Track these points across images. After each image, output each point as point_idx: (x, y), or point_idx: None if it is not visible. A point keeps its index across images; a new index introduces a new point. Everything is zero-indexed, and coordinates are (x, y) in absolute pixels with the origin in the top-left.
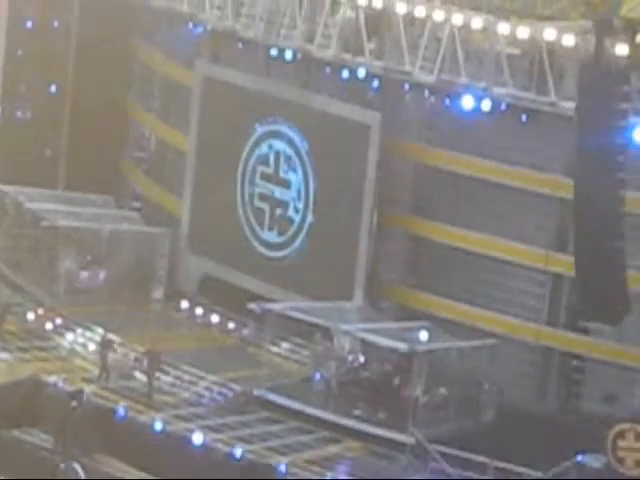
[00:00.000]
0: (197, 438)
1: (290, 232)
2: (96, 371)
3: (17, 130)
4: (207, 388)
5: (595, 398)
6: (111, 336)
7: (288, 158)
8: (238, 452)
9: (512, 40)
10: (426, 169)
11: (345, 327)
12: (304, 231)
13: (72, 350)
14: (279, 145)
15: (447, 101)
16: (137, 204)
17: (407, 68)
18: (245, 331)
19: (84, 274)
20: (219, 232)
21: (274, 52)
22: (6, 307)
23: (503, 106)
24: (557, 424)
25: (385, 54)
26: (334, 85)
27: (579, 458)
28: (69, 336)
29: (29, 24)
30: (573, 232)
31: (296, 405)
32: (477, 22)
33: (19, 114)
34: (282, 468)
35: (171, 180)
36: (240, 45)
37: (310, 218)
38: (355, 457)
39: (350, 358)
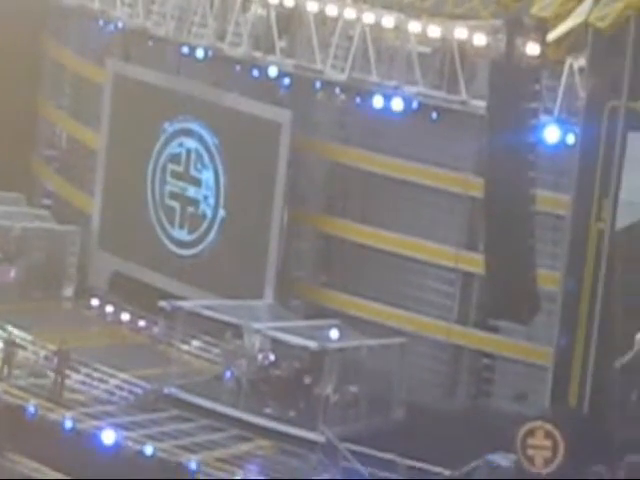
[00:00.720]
0: (108, 436)
1: (200, 230)
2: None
3: None
4: (117, 386)
5: (505, 396)
6: (15, 333)
7: (199, 156)
8: (149, 450)
9: (423, 39)
10: (337, 167)
11: (256, 325)
12: (214, 229)
13: None
14: (190, 143)
15: (358, 99)
16: (48, 202)
17: (318, 66)
18: (156, 329)
19: None
20: (130, 230)
21: (185, 50)
22: None
23: (414, 105)
24: (467, 422)
25: (296, 52)
26: (245, 83)
27: (489, 457)
28: None
29: None
30: (483, 231)
31: (207, 403)
32: (388, 21)
33: None
34: (193, 466)
35: (82, 178)
36: (151, 43)
37: (220, 216)
38: (266, 455)
39: (261, 356)
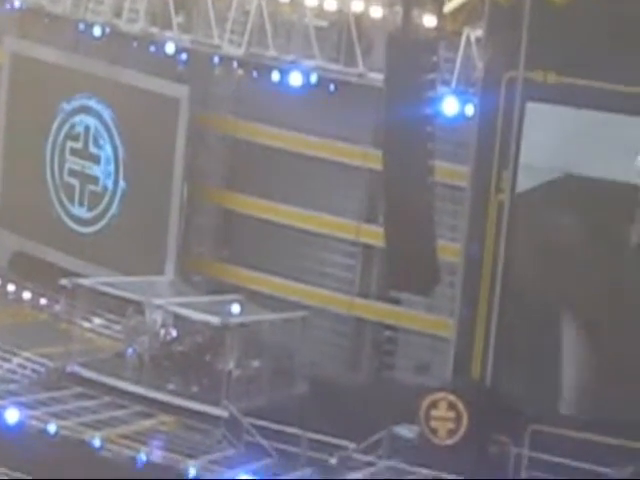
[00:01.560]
0: (11, 415)
1: (100, 207)
2: None
3: None
4: (20, 365)
5: (408, 368)
6: None
7: (98, 133)
8: (52, 428)
9: (320, 12)
10: (236, 142)
11: (157, 301)
12: (114, 206)
13: None
14: (89, 120)
15: (256, 74)
16: None
17: (215, 41)
18: (57, 307)
19: None
20: (30, 208)
21: (82, 27)
22: None
23: (312, 78)
24: (370, 395)
25: (193, 28)
26: (143, 59)
27: (392, 429)
28: None
29: None
30: (383, 203)
31: (109, 380)
32: None
33: None
34: (96, 443)
35: None
36: (48, 21)
37: (120, 194)
38: (169, 431)
39: (163, 332)
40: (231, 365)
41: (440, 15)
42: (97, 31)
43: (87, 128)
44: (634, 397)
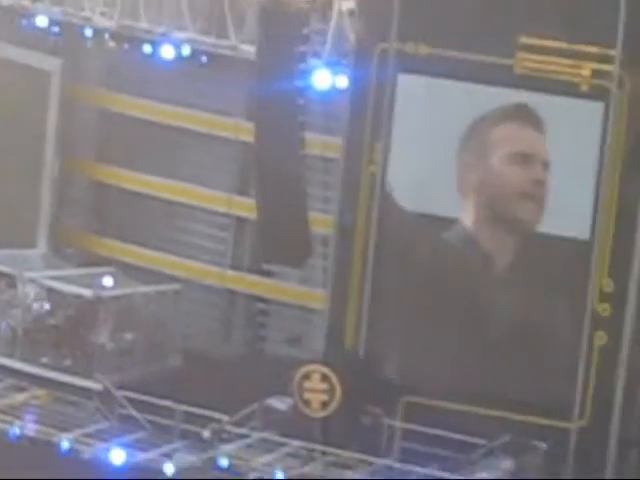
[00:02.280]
0: None
1: None
2: None
3: None
4: None
5: (281, 341)
6: None
7: None
8: None
9: None
10: (109, 115)
11: (29, 275)
12: None
13: None
14: None
15: (128, 46)
16: None
17: (87, 14)
18: None
19: None
20: None
21: None
22: None
23: (184, 51)
24: (243, 367)
25: (65, 0)
26: (14, 32)
27: (265, 401)
28: None
29: None
30: (255, 175)
31: None
32: None
33: None
34: None
35: None
36: None
37: None
38: (42, 404)
39: (35, 306)
40: (104, 338)
41: None
42: None
43: None
44: (506, 369)
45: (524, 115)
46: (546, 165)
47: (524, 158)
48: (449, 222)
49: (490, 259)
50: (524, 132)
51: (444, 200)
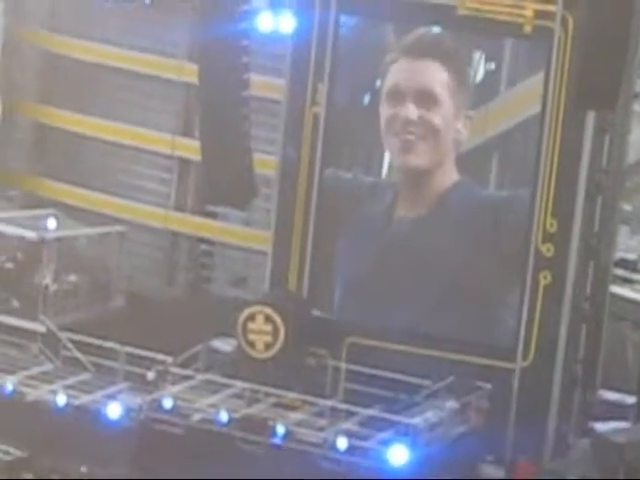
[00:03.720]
0: None
1: None
2: None
3: None
4: None
5: (225, 282)
6: None
7: None
8: None
9: None
10: (51, 56)
11: None
12: None
13: None
14: None
15: None
16: None
17: None
18: None
19: None
20: None
21: None
22: None
23: None
24: (187, 308)
25: None
26: None
27: (210, 342)
28: None
29: None
30: (199, 117)
31: None
32: None
33: None
34: None
35: None
36: None
37: None
38: None
39: None
40: (48, 280)
41: None
42: None
43: None
44: (450, 311)
45: (419, 50)
46: (434, 101)
47: (395, 96)
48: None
49: (420, 202)
50: (410, 67)
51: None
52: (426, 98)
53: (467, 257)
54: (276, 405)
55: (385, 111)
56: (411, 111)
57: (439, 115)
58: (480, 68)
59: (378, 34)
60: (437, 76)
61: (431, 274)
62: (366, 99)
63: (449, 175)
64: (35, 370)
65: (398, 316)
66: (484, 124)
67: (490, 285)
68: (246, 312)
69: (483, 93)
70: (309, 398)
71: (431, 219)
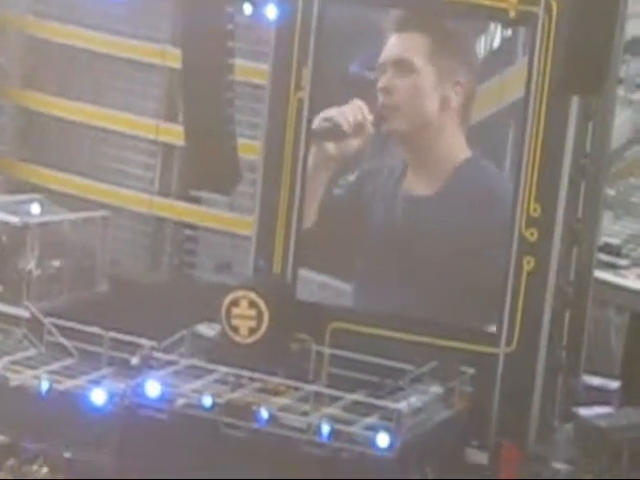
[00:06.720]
0: None
1: None
2: None
3: None
4: None
5: (209, 267)
6: None
7: None
8: None
9: None
10: (36, 41)
11: None
12: None
13: None
14: None
15: None
16: None
17: None
18: None
19: None
20: None
21: None
22: None
23: None
24: (171, 294)
25: None
26: None
27: (194, 327)
28: None
29: None
30: (183, 102)
31: None
32: None
33: None
34: None
35: None
36: None
37: None
38: None
39: None
40: (32, 265)
41: None
42: None
43: None
44: (434, 296)
45: (402, 24)
46: (409, 69)
47: (380, 70)
48: None
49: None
50: (391, 41)
51: None
52: (401, 66)
53: (462, 242)
54: (260, 390)
55: (379, 85)
56: (387, 79)
57: (415, 81)
58: (497, 35)
59: (362, 17)
60: (415, 44)
61: (421, 259)
62: (351, 82)
63: (458, 151)
64: (19, 355)
65: (382, 301)
66: (500, 95)
67: (484, 270)
68: (230, 297)
69: (498, 61)
70: (293, 383)
71: (434, 200)
